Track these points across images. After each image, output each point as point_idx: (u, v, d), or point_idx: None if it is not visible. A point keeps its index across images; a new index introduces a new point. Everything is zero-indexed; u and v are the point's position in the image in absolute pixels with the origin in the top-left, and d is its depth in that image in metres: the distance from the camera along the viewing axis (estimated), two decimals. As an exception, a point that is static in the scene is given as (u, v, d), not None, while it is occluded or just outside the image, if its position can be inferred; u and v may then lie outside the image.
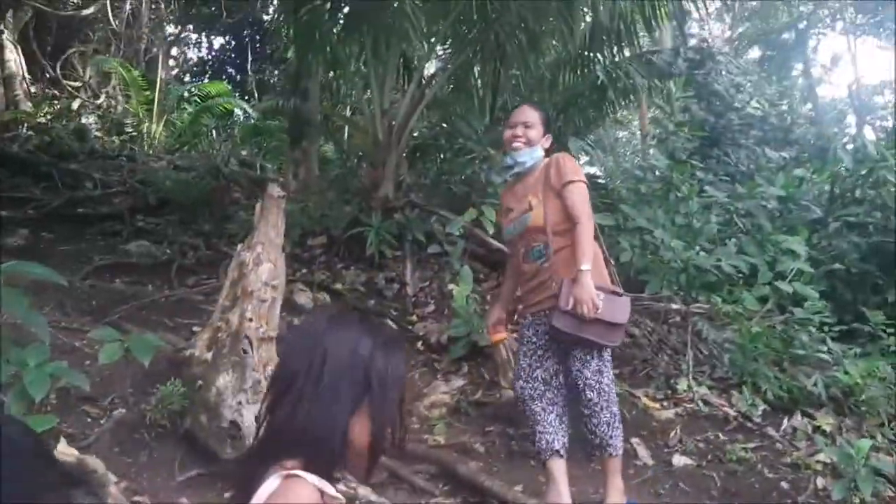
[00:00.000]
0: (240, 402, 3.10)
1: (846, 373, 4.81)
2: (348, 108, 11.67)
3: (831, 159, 7.91)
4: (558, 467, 3.49)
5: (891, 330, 5.48)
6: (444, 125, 8.96)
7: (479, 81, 8.72)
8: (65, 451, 2.86)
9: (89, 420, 3.37)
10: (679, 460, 4.19)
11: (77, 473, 2.74)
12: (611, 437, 3.45)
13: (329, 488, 1.37)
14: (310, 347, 1.42)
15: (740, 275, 5.67)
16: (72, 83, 12.45)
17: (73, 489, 1.25)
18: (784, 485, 3.96)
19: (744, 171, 8.19)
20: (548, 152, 3.75)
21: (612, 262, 3.74)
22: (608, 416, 3.45)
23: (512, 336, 4.06)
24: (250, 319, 3.32)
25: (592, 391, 3.40)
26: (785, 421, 4.68)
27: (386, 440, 1.45)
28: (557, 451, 3.48)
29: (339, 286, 6.29)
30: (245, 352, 3.23)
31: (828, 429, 4.53)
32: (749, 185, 6.70)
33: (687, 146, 7.29)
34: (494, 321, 3.88)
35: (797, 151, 9.60)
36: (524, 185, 3.71)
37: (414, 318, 5.90)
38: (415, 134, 9.42)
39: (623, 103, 9.62)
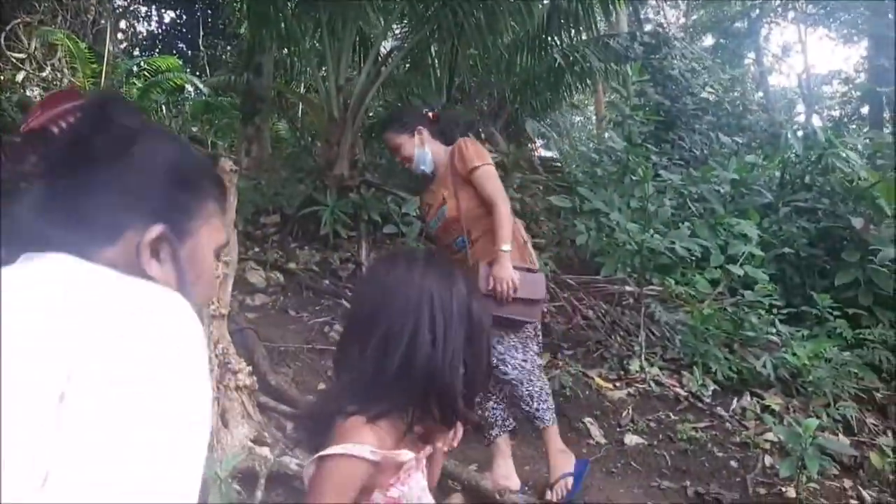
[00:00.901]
0: (189, 381, 3.03)
1: (794, 354, 4.90)
2: (303, 85, 11.49)
3: (782, 146, 8.05)
4: (502, 443, 3.52)
5: (837, 313, 5.60)
6: (401, 104, 8.88)
7: (437, 61, 8.67)
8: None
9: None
10: (631, 439, 4.23)
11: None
12: (537, 409, 3.46)
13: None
14: (413, 291, 1.39)
15: (693, 258, 5.73)
16: (16, 55, 12.01)
17: None
18: (733, 463, 4.02)
19: (697, 156, 8.30)
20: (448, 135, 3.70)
21: (528, 240, 3.71)
22: (532, 389, 3.44)
23: None
24: (201, 296, 3.24)
25: (511, 367, 3.40)
26: (734, 401, 4.76)
27: (483, 376, 1.46)
28: (501, 428, 3.51)
29: (292, 266, 6.20)
30: (195, 329, 3.15)
31: (776, 408, 4.61)
32: (703, 170, 6.79)
33: (643, 130, 7.31)
34: None
35: (749, 138, 9.76)
36: (436, 181, 3.68)
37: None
38: (370, 113, 9.33)
39: (580, 87, 9.67)
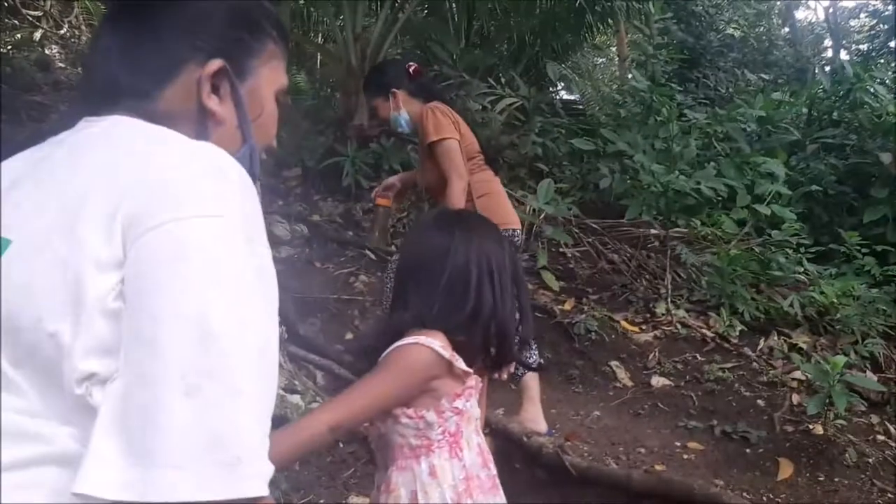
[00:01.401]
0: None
1: (822, 293, 4.87)
2: (320, 35, 11.37)
3: (809, 81, 7.89)
4: (530, 386, 3.53)
5: (865, 250, 5.55)
6: (419, 51, 8.76)
7: (454, 5, 8.52)
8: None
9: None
10: (657, 381, 4.25)
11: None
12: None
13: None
14: (474, 247, 1.52)
15: (719, 198, 5.67)
16: (32, 12, 11.98)
17: None
18: (760, 402, 4.03)
19: (723, 94, 8.15)
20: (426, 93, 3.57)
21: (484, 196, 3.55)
22: None
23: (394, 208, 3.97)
24: (227, 249, 3.26)
25: None
26: (762, 341, 4.75)
27: (528, 324, 1.64)
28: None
29: (316, 218, 6.22)
30: (223, 282, 3.18)
31: (803, 347, 4.61)
32: (729, 108, 6.67)
33: (666, 69, 7.21)
34: (386, 186, 3.72)
35: (775, 74, 9.57)
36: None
37: (393, 248, 5.87)
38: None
39: (601, 27, 9.47)
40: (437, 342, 1.42)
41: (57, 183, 0.79)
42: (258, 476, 0.70)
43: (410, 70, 3.58)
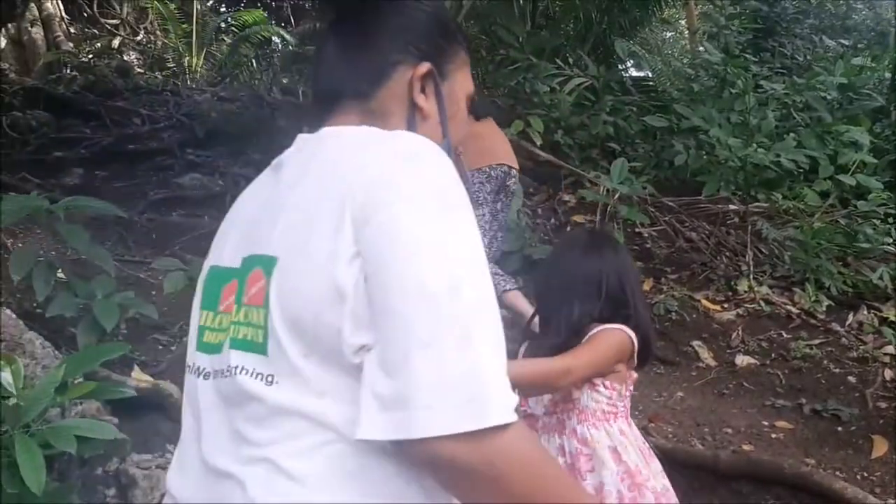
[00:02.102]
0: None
1: (913, 264, 4.69)
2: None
3: (892, 45, 7.55)
4: None
5: (959, 217, 5.31)
6: (485, 36, 8.74)
7: (520, -13, 8.45)
8: (139, 377, 2.96)
9: (160, 348, 3.46)
10: (742, 360, 4.17)
11: (154, 398, 2.85)
12: None
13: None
14: (620, 264, 1.91)
15: (800, 170, 5.51)
16: (110, 21, 12.42)
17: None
18: (851, 379, 3.92)
19: (800, 63, 7.86)
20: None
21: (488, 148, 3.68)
22: None
23: None
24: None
25: None
26: (850, 316, 4.62)
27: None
28: None
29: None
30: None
31: (895, 321, 4.45)
32: (807, 76, 6.44)
33: (740, 39, 6.98)
34: None
35: (855, 39, 9.18)
36: None
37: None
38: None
39: (670, 1, 9.25)
40: (629, 330, 1.78)
41: (295, 201, 0.93)
42: (502, 405, 0.80)
43: None
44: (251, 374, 0.89)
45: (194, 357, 1.00)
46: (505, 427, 0.79)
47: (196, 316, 1.02)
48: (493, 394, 0.80)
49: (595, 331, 1.77)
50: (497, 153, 3.61)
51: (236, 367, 0.90)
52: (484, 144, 3.60)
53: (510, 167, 3.67)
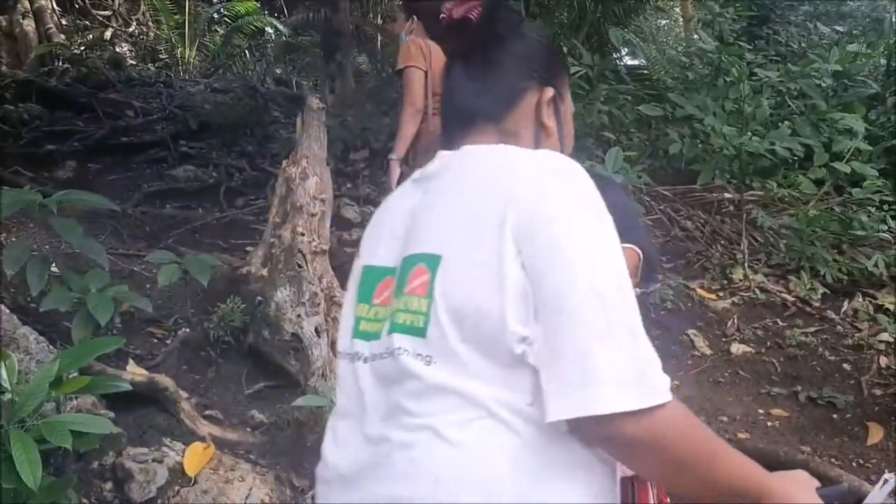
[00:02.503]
0: (299, 315, 3.14)
1: (908, 251, 4.69)
2: (379, 16, 11.41)
3: (887, 31, 7.54)
4: None
5: (954, 203, 5.31)
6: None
7: (513, -24, 8.40)
8: (134, 371, 2.96)
9: (155, 341, 3.45)
10: (737, 348, 4.18)
11: (148, 392, 2.84)
12: None
13: None
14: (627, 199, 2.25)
15: (795, 158, 5.50)
16: (101, 12, 12.34)
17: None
18: (846, 366, 3.93)
19: (795, 50, 7.85)
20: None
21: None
22: None
23: None
24: (302, 234, 3.33)
25: None
26: (845, 303, 4.63)
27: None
28: None
29: (384, 199, 6.28)
30: (300, 266, 3.25)
31: (890, 308, 4.46)
32: (802, 64, 6.42)
33: (734, 27, 6.97)
34: None
35: (850, 25, 9.16)
36: None
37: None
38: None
39: (664, -12, 9.22)
40: (632, 246, 1.82)
41: (451, 207, 1.09)
42: (664, 387, 0.95)
43: (440, 14, 3.72)
44: (412, 355, 1.03)
45: (351, 344, 1.16)
46: (665, 405, 0.94)
47: (351, 309, 1.19)
48: (657, 377, 0.95)
49: None
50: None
51: (398, 349, 1.04)
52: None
53: None
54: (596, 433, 0.96)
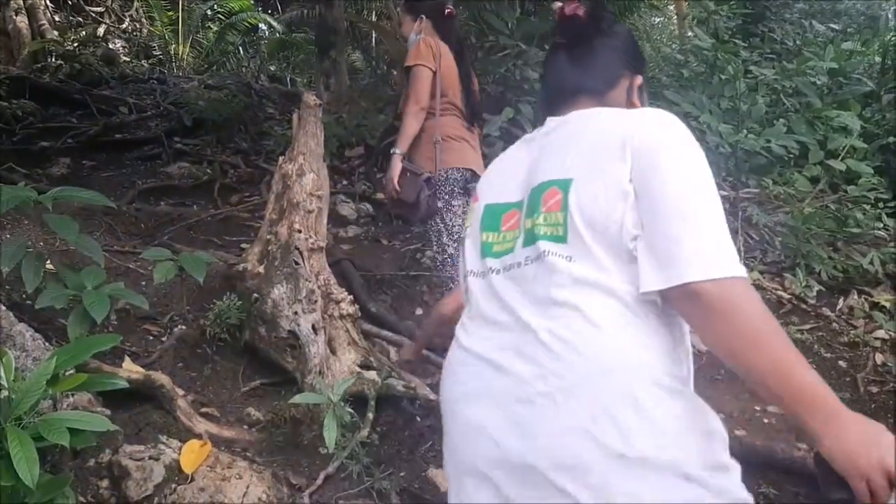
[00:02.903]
0: (296, 312, 3.13)
1: (903, 248, 4.71)
2: (373, 12, 11.39)
3: (882, 29, 7.56)
4: None
5: (948, 202, 5.33)
6: (474, 22, 8.69)
7: (508, -27, 8.39)
8: (130, 368, 2.94)
9: (151, 338, 3.43)
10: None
11: (144, 390, 2.83)
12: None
13: None
14: None
15: (790, 155, 5.51)
16: (94, 9, 12.29)
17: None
18: (842, 363, 3.94)
19: (790, 48, 7.86)
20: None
21: (440, 141, 3.75)
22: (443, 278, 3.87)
23: None
24: (299, 230, 3.32)
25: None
26: (841, 300, 4.63)
27: None
28: None
29: (380, 196, 6.26)
30: (296, 263, 3.24)
31: (886, 305, 4.47)
32: (797, 62, 6.43)
33: (729, 25, 6.98)
34: None
35: (845, 23, 9.17)
36: None
37: (459, 221, 5.88)
38: (445, 34, 9.12)
39: (659, -14, 9.22)
40: None
41: (577, 144, 1.41)
42: (738, 264, 1.21)
43: (445, 11, 3.94)
44: (556, 256, 1.33)
45: (482, 263, 1.49)
46: (740, 279, 1.19)
47: (477, 238, 1.54)
48: (732, 254, 1.21)
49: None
50: (465, 160, 3.80)
51: (544, 252, 1.35)
52: (452, 147, 3.78)
53: (468, 169, 3.84)
54: (682, 297, 1.21)
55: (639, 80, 1.58)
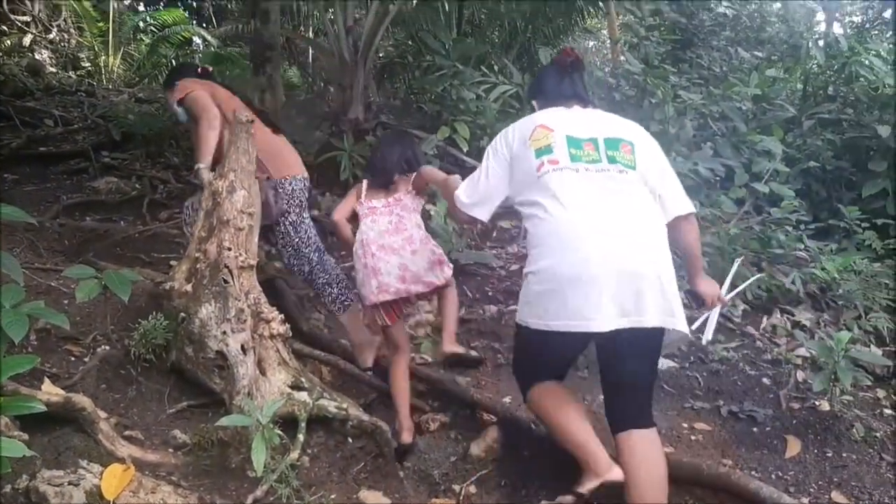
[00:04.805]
0: (224, 332, 3.06)
1: (823, 269, 4.87)
2: (311, 29, 11.33)
3: (804, 57, 7.86)
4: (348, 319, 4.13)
5: (866, 225, 5.54)
6: (411, 42, 8.74)
7: (445, -6, 8.48)
8: (50, 390, 2.83)
9: (73, 359, 3.31)
10: (663, 363, 4.25)
11: (65, 413, 2.72)
12: (328, 297, 4.16)
13: None
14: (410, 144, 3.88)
15: (717, 178, 5.66)
16: (20, 18, 11.91)
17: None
18: (766, 380, 4.04)
19: (717, 74, 8.12)
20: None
21: (282, 153, 4.13)
22: (317, 281, 4.16)
23: None
24: (228, 248, 3.25)
25: (291, 263, 4.19)
26: (764, 319, 4.76)
27: None
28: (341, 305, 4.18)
29: (315, 213, 6.20)
30: (226, 281, 3.17)
31: (807, 324, 4.61)
32: (723, 87, 6.64)
33: (659, 50, 7.16)
34: None
35: (769, 51, 9.53)
36: None
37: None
38: (381, 54, 9.19)
39: (592, 10, 9.43)
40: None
41: (616, 123, 2.75)
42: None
43: (199, 70, 4.39)
44: (631, 172, 2.59)
45: (574, 164, 2.57)
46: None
47: (563, 147, 2.59)
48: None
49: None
50: (289, 168, 4.11)
51: (623, 170, 2.59)
52: (275, 157, 4.05)
53: (294, 176, 4.13)
54: (686, 220, 2.75)
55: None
